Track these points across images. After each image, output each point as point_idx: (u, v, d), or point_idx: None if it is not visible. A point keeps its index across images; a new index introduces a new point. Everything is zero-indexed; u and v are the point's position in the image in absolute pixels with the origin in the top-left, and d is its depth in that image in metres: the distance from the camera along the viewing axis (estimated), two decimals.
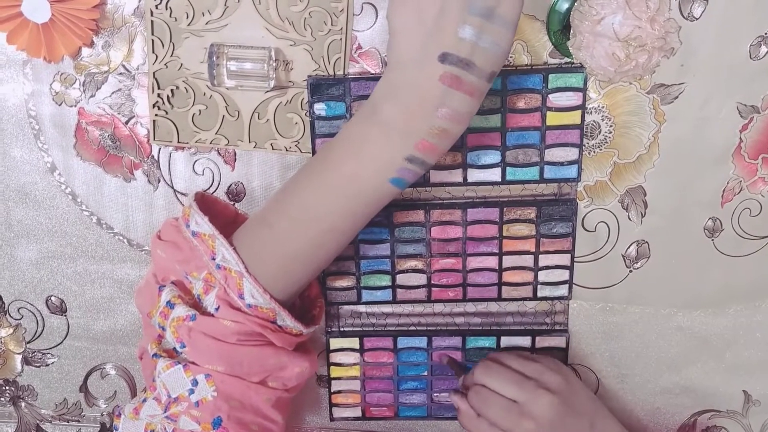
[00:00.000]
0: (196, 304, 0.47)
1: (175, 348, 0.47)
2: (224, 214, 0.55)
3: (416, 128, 0.41)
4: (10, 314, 0.60)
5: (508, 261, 0.56)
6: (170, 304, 0.46)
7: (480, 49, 0.39)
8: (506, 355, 0.55)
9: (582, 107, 0.52)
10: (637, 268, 0.58)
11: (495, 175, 0.54)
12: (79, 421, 0.64)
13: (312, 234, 0.45)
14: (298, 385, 0.51)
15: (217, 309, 0.46)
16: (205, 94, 0.53)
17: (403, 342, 0.59)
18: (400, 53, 0.41)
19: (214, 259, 0.46)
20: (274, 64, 0.51)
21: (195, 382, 0.46)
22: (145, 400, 0.48)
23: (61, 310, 0.60)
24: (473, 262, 0.56)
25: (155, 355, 0.47)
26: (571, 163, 0.54)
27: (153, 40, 0.52)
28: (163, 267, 0.49)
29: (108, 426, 0.63)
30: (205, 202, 0.53)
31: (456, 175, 0.54)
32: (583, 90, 0.52)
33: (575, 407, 0.52)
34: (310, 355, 0.52)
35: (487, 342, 0.58)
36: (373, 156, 0.42)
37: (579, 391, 0.53)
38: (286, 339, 0.48)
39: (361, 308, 0.59)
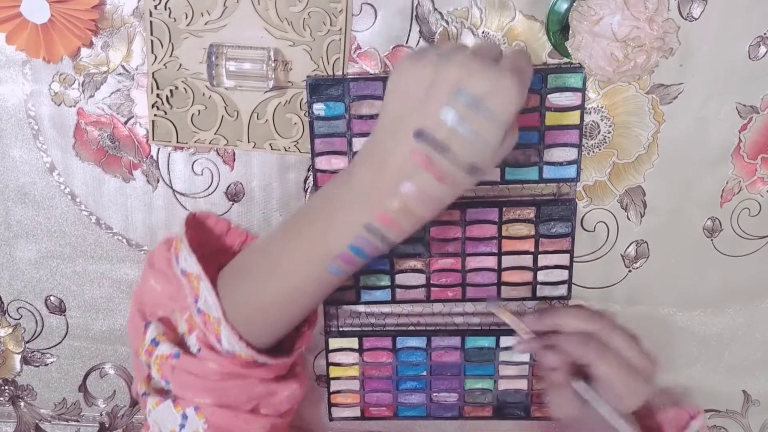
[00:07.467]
0: (182, 342, 0.47)
1: (162, 386, 0.47)
2: (216, 229, 0.53)
3: (378, 197, 0.40)
4: (9, 314, 0.60)
5: (507, 261, 0.56)
6: (155, 342, 0.46)
7: (458, 136, 0.37)
8: (616, 336, 0.49)
9: (581, 107, 0.52)
10: (637, 267, 0.58)
11: (494, 174, 0.54)
12: (78, 421, 0.64)
13: (281, 289, 0.44)
14: (290, 409, 0.50)
15: (198, 350, 0.45)
16: (204, 94, 0.53)
17: (402, 342, 0.59)
18: (383, 118, 0.40)
19: (196, 302, 0.46)
20: (273, 65, 0.51)
21: (185, 416, 0.45)
22: None
23: (60, 309, 0.60)
24: (472, 262, 0.56)
25: (144, 393, 0.47)
26: (570, 163, 0.54)
27: (152, 41, 0.52)
28: (152, 301, 0.49)
29: (107, 426, 0.63)
30: (196, 220, 0.52)
31: None
32: (582, 90, 0.52)
33: None
34: (298, 376, 0.51)
35: (486, 342, 0.58)
36: (338, 218, 0.41)
37: None
38: (272, 370, 0.47)
39: (360, 308, 0.59)
